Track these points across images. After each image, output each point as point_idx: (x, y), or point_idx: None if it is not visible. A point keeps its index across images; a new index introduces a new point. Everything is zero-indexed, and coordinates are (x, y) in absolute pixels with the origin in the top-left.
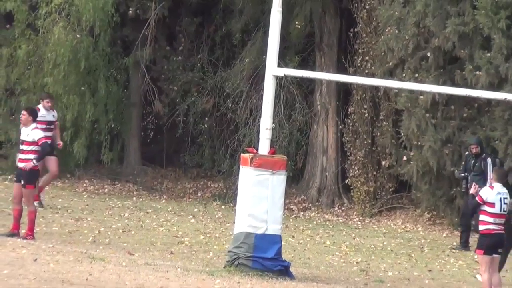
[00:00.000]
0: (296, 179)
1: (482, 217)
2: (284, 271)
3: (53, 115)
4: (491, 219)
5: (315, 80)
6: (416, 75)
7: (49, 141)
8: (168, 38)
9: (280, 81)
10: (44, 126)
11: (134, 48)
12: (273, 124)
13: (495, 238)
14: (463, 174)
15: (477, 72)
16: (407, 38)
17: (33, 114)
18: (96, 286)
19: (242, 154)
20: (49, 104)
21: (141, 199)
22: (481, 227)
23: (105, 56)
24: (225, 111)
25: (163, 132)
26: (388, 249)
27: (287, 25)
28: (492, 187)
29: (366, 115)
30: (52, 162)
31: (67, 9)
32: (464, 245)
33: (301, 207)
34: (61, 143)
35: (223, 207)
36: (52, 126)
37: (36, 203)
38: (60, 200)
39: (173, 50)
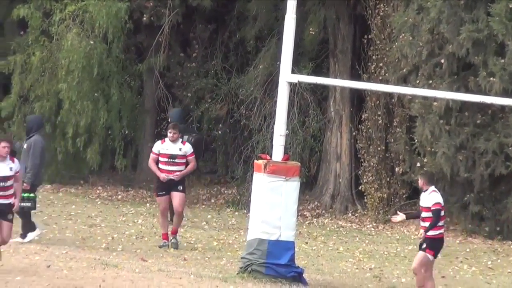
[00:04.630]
0: (309, 185)
1: None
2: (297, 277)
3: (180, 149)
4: None
5: (328, 87)
6: (430, 81)
7: (170, 176)
8: (182, 44)
9: (294, 88)
10: (165, 160)
11: (148, 55)
12: (287, 131)
13: None
14: None
15: (491, 79)
16: (421, 44)
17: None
18: None
19: (255, 161)
20: (172, 134)
21: (154, 206)
22: None
23: (118, 62)
24: (239, 117)
25: None
26: (401, 255)
27: (301, 31)
28: None
29: (380, 121)
30: (177, 198)
31: (81, 16)
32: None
33: (315, 213)
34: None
35: (236, 213)
36: (175, 161)
37: (163, 243)
38: (73, 206)
39: (187, 56)
